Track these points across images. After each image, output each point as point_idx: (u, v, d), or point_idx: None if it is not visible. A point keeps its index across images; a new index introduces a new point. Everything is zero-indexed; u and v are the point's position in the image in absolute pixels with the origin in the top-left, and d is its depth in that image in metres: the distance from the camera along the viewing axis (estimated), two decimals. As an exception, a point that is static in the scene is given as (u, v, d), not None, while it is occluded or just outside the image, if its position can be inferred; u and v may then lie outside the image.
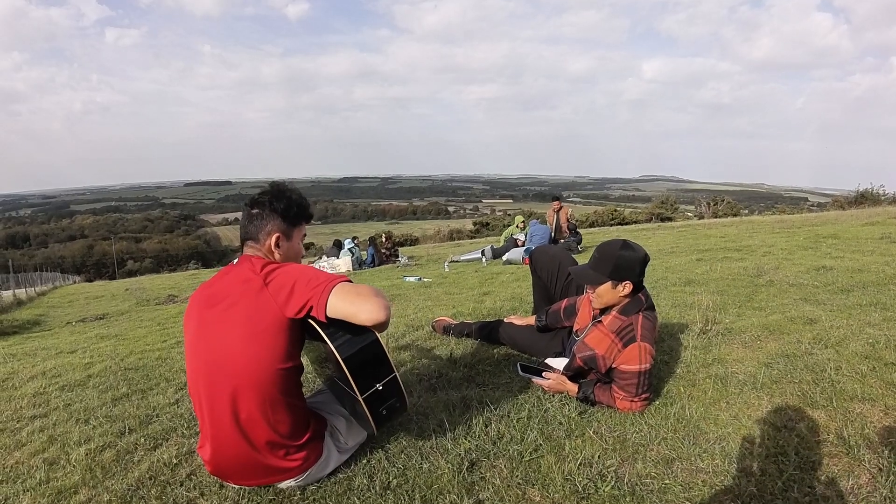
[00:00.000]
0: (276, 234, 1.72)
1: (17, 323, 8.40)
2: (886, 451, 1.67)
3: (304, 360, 1.73)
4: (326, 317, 1.53)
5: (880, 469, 1.60)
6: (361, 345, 1.58)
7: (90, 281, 28.46)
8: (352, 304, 1.52)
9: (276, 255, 1.74)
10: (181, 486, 1.79)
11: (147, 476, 1.86)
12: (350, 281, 1.59)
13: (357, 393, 1.59)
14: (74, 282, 27.28)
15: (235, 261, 1.73)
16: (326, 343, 1.57)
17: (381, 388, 1.62)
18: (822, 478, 1.60)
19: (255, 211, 1.73)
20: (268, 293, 1.57)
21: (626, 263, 2.10)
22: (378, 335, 1.62)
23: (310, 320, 1.59)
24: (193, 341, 1.68)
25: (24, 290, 16.53)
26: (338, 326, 1.57)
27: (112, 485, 1.83)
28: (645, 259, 2.14)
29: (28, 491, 1.84)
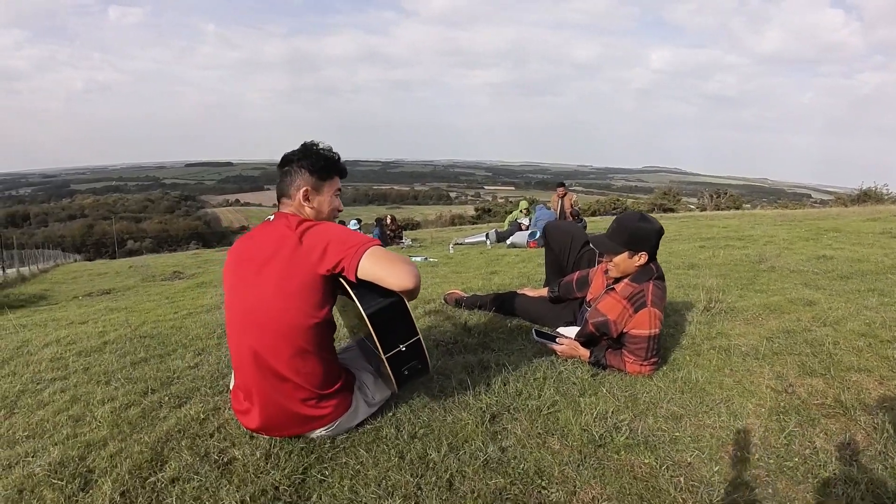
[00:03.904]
0: (305, 188, 1.76)
1: (24, 297, 8.32)
2: (881, 413, 1.79)
3: (339, 322, 1.78)
4: (356, 277, 1.60)
5: (875, 428, 1.72)
6: (386, 303, 1.64)
7: (90, 260, 28.36)
8: (382, 269, 1.59)
9: (307, 210, 1.78)
10: (211, 437, 1.83)
11: (176, 430, 1.89)
12: (382, 245, 1.66)
13: (381, 351, 1.66)
14: (75, 260, 27.12)
15: (271, 217, 1.78)
16: (353, 300, 1.63)
17: (404, 349, 1.69)
18: (821, 434, 1.72)
19: (284, 168, 1.79)
20: (302, 250, 1.63)
21: (642, 234, 2.20)
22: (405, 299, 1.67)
23: (340, 278, 1.65)
24: (230, 295, 1.75)
25: (27, 267, 16.57)
26: (366, 286, 1.63)
27: (142, 437, 1.85)
28: (660, 231, 2.24)
29: (57, 444, 1.84)
